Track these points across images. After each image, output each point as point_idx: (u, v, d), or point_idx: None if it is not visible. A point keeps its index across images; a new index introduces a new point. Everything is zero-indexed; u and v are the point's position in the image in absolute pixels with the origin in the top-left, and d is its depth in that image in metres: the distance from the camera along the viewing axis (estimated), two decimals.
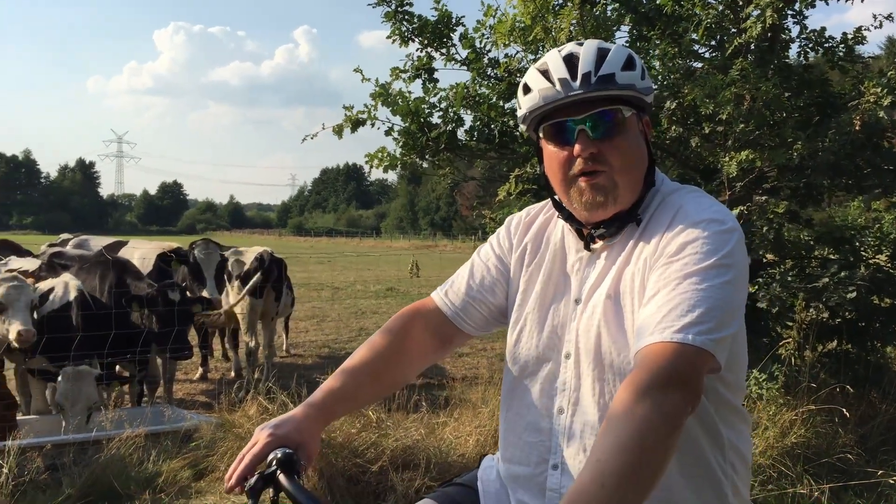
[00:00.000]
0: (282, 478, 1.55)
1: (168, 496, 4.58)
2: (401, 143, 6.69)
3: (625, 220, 1.68)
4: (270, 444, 1.62)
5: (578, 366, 1.67)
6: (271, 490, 1.58)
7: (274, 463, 1.58)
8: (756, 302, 5.15)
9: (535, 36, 5.30)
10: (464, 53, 6.73)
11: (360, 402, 1.91)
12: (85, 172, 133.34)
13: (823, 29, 6.20)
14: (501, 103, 6.64)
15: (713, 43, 5.79)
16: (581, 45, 1.68)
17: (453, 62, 6.83)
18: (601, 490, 1.25)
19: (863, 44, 6.25)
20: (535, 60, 6.35)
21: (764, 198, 5.21)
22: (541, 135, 1.73)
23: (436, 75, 6.72)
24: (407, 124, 6.62)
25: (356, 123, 6.71)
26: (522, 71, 6.44)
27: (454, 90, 6.51)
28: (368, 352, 1.84)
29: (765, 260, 5.66)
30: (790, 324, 5.17)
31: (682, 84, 5.12)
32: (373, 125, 6.71)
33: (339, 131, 6.80)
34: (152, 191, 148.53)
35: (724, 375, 1.59)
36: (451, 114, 6.52)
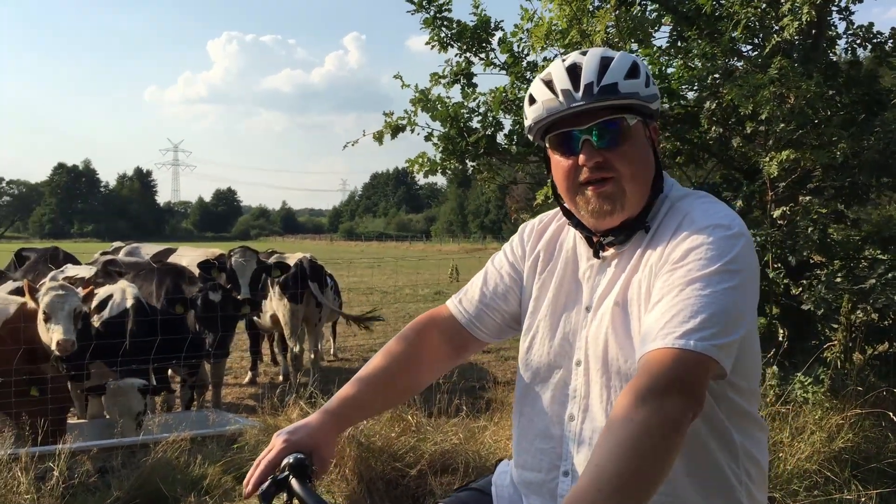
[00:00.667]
0: (294, 483, 1.59)
1: (213, 499, 4.67)
2: (440, 149, 6.73)
3: (633, 228, 1.68)
4: (285, 450, 1.66)
5: (588, 373, 1.68)
6: (285, 495, 1.61)
7: (287, 468, 1.62)
8: (801, 304, 5.06)
9: (572, 39, 5.28)
10: (502, 58, 6.74)
11: (374, 409, 1.95)
12: (142, 181, 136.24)
13: (871, 24, 6.06)
14: None
15: (754, 41, 5.71)
16: (585, 54, 1.69)
17: (492, 67, 6.85)
18: (598, 494, 1.26)
19: None
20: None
21: (808, 198, 5.11)
22: (547, 144, 1.74)
23: (474, 80, 6.75)
24: (446, 129, 6.65)
25: (396, 129, 6.76)
26: None
27: (493, 94, 6.53)
28: (383, 360, 1.87)
29: (812, 261, 5.55)
30: (836, 326, 5.06)
31: (721, 84, 5.05)
32: (412, 131, 6.76)
33: (379, 137, 6.87)
34: (207, 198, 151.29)
35: (735, 381, 1.58)
36: (490, 118, 6.53)
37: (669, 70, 6.25)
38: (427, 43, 6.88)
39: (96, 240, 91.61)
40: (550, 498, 1.72)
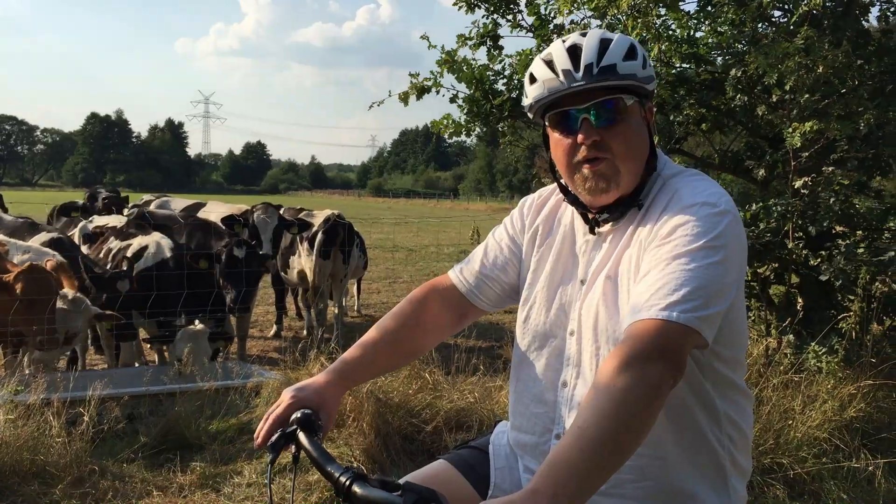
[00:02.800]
0: (301, 436, 1.68)
1: (235, 447, 4.84)
2: (465, 111, 6.76)
3: (627, 205, 1.74)
4: (292, 406, 1.75)
5: (581, 342, 1.76)
6: (293, 447, 1.71)
7: (295, 423, 1.71)
8: (820, 274, 5.07)
9: (599, 3, 5.26)
10: (529, 20, 6.72)
11: (378, 371, 2.06)
12: (174, 132, 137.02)
13: None
14: None
15: (784, 6, 5.65)
16: (584, 35, 1.74)
17: (519, 29, 6.84)
18: (580, 454, 1.33)
19: None
20: (601, 27, 6.31)
21: (831, 168, 5.09)
22: (547, 123, 1.79)
23: (500, 42, 6.75)
24: (471, 91, 6.68)
25: (422, 91, 6.80)
26: None
27: (519, 57, 6.52)
28: (388, 324, 1.96)
29: (834, 231, 5.54)
30: (852, 297, 5.08)
31: (747, 52, 5.03)
32: (438, 92, 6.79)
33: (405, 98, 6.91)
34: (237, 151, 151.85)
35: (720, 351, 1.66)
36: (515, 81, 6.54)
37: (698, 35, 6.21)
38: (455, 4, 6.88)
39: (129, 190, 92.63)
40: (543, 459, 1.80)
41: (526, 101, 1.81)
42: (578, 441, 1.35)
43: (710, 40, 5.86)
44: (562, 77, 1.70)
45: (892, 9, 6.13)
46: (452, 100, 6.76)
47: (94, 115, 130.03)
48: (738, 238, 1.63)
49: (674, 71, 5.39)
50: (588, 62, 1.68)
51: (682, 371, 1.49)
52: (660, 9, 5.30)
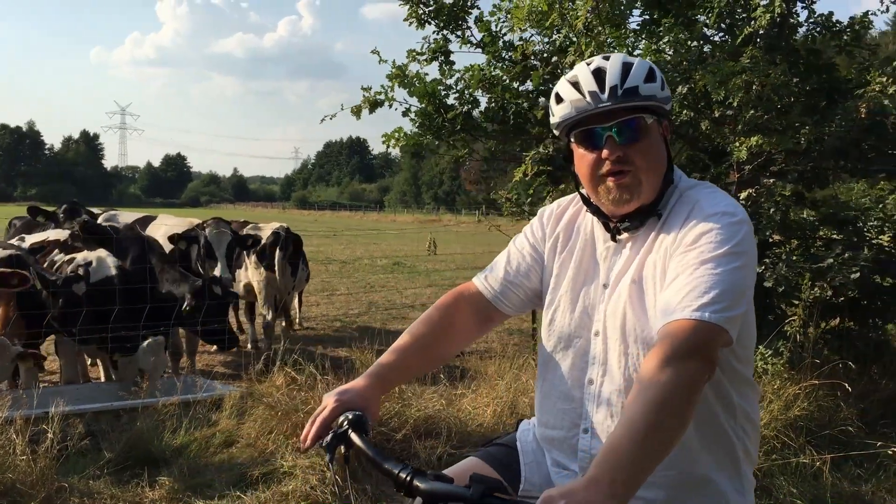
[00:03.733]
0: (354, 436, 1.77)
1: (203, 460, 4.83)
2: (417, 124, 6.88)
3: (647, 215, 1.89)
4: (338, 408, 1.84)
5: (606, 342, 1.89)
6: (342, 447, 1.80)
7: (346, 423, 1.80)
8: (763, 281, 5.36)
9: (552, 21, 5.46)
10: (479, 36, 6.90)
11: (412, 374, 2.17)
12: (89, 144, 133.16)
13: (831, 13, 6.33)
14: (516, 86, 6.82)
15: (724, 28, 5.95)
16: (607, 59, 1.89)
17: (468, 45, 7.01)
18: (631, 443, 1.47)
19: (869, 29, 6.40)
20: (549, 44, 6.53)
21: (772, 180, 5.40)
22: (572, 139, 1.93)
23: (451, 57, 6.91)
24: (423, 105, 6.80)
25: (374, 104, 6.89)
26: (537, 54, 6.61)
27: (470, 72, 6.69)
28: (419, 330, 2.06)
29: (771, 240, 5.85)
30: (796, 302, 5.38)
31: (694, 69, 5.30)
32: (390, 106, 6.89)
33: (357, 112, 6.99)
34: (156, 163, 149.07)
35: (735, 349, 1.81)
36: (467, 95, 6.70)
37: (636, 53, 6.48)
38: (405, 20, 7.01)
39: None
40: (571, 452, 1.94)
41: (553, 120, 1.95)
42: (629, 432, 1.49)
43: (650, 58, 6.12)
44: (588, 98, 1.84)
45: (818, 29, 6.49)
46: (405, 113, 6.87)
47: (3, 127, 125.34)
48: (753, 245, 1.80)
49: None
50: (613, 84, 1.83)
51: (715, 367, 1.65)
52: (609, 28, 5.52)
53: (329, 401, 1.87)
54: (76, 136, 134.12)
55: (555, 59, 6.20)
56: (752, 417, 1.93)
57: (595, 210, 1.97)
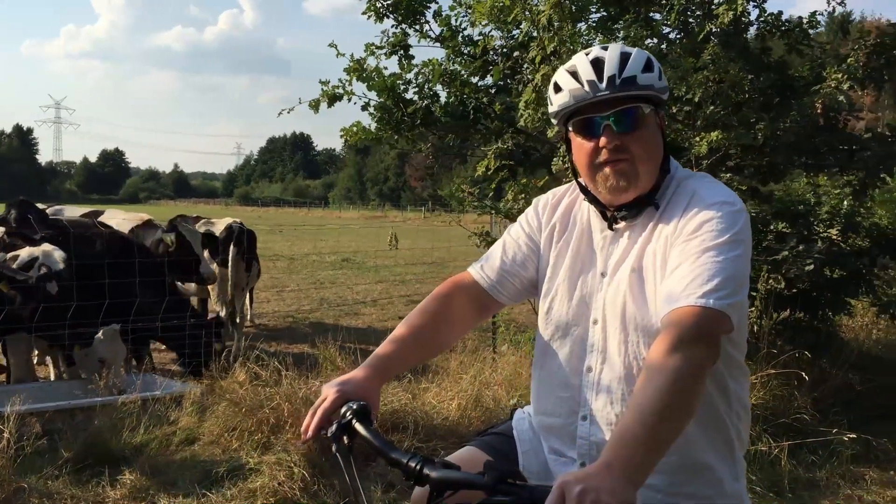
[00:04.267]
0: (358, 426, 1.76)
1: (164, 458, 4.74)
2: (376, 119, 6.84)
3: (644, 204, 1.91)
4: (339, 399, 1.82)
5: (605, 330, 1.91)
6: (345, 437, 1.78)
7: (349, 414, 1.78)
8: None
9: (516, 17, 5.49)
10: (438, 31, 6.90)
11: (409, 364, 2.14)
12: (22, 139, 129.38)
13: (780, 13, 6.48)
14: (476, 80, 6.84)
15: (681, 25, 6.04)
16: (606, 49, 1.90)
17: (427, 39, 7.00)
18: (643, 427, 1.49)
19: (817, 28, 6.56)
20: (510, 40, 6.56)
21: (728, 175, 5.51)
22: (570, 128, 1.95)
23: (411, 52, 6.89)
24: (383, 100, 6.77)
25: (333, 98, 6.83)
26: (497, 50, 6.63)
27: (430, 67, 6.68)
28: (417, 320, 2.04)
29: None
30: (753, 294, 5.50)
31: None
32: (349, 100, 6.85)
33: (315, 106, 6.92)
34: (92, 158, 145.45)
35: (731, 336, 1.85)
36: (427, 90, 6.69)
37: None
38: (364, 13, 6.97)
39: None
40: (570, 439, 1.95)
41: (551, 109, 1.95)
42: (641, 417, 1.51)
43: None
44: (587, 87, 1.85)
45: (768, 28, 6.63)
46: (364, 108, 6.83)
47: None
48: (750, 233, 1.83)
49: None
50: (611, 74, 1.84)
51: (719, 352, 1.68)
52: (571, 25, 5.57)
53: (329, 391, 1.85)
54: (9, 130, 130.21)
55: (516, 54, 6.23)
56: (744, 402, 1.97)
57: (592, 199, 1.98)
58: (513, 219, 5.95)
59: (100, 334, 5.84)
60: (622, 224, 1.94)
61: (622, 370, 1.87)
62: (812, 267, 5.21)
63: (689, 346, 1.61)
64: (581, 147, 1.92)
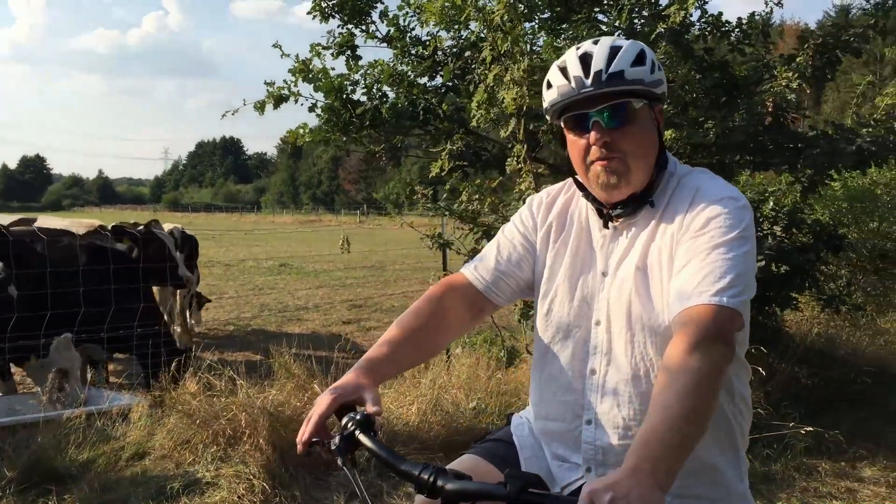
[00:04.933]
0: (362, 437, 1.66)
1: (114, 474, 4.55)
2: (324, 120, 6.73)
3: (639, 201, 1.87)
4: (333, 405, 1.72)
5: (610, 331, 1.86)
6: (350, 449, 1.68)
7: (350, 424, 1.69)
8: None
9: (467, 16, 5.44)
10: (384, 31, 6.82)
11: (402, 367, 2.03)
12: None
13: (720, 14, 6.58)
14: (423, 81, 6.78)
15: (629, 26, 6.08)
16: (597, 43, 1.86)
17: (375, 39, 6.92)
18: (669, 431, 1.45)
19: (756, 29, 6.69)
20: (462, 40, 6.51)
21: None
22: (563, 125, 1.90)
23: (359, 52, 6.80)
24: (330, 101, 6.66)
25: (279, 100, 6.70)
26: (446, 50, 6.58)
27: (378, 67, 6.59)
28: (410, 322, 1.95)
29: None
30: None
31: None
32: (296, 101, 6.72)
33: (261, 107, 6.79)
34: (12, 165, 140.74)
35: (737, 333, 1.82)
36: (376, 91, 6.60)
37: (537, 49, 6.54)
38: (309, 13, 6.86)
39: None
40: (574, 444, 1.90)
41: (544, 105, 1.91)
42: (666, 419, 1.46)
43: (550, 54, 6.20)
44: (573, 83, 1.81)
45: (708, 28, 6.73)
46: (311, 109, 6.71)
47: None
48: (754, 229, 1.81)
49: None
50: (597, 69, 1.80)
51: (734, 350, 1.65)
52: (524, 24, 5.55)
53: (324, 400, 1.75)
54: None
55: (467, 54, 6.18)
56: (746, 399, 1.94)
57: (588, 195, 1.94)
58: (467, 220, 5.92)
59: (55, 343, 5.61)
60: (620, 223, 1.90)
61: (629, 371, 1.82)
62: (763, 262, 5.27)
63: (707, 345, 1.57)
64: (574, 143, 1.88)
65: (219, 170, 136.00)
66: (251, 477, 4.28)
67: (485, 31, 5.64)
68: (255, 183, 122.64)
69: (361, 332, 10.92)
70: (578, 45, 1.89)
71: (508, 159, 5.66)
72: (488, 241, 6.07)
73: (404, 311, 2.02)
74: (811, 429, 5.16)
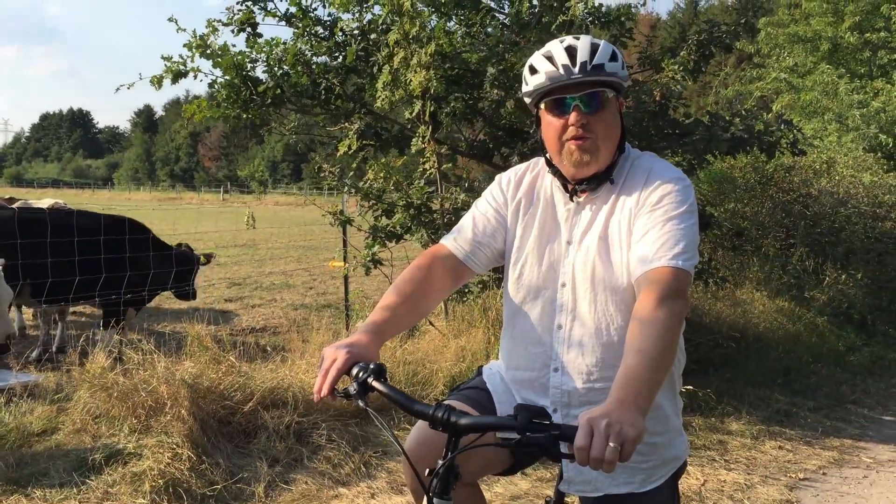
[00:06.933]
0: (376, 384, 1.89)
1: (29, 450, 4.52)
2: (223, 97, 6.74)
3: (602, 179, 2.18)
4: (350, 360, 1.94)
5: (575, 291, 2.16)
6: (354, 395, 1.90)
7: (363, 373, 1.90)
8: None
9: (376, 0, 5.63)
10: (283, 9, 6.88)
11: (400, 328, 2.27)
12: None
13: (601, 5, 7.02)
14: (324, 61, 6.89)
15: (532, 17, 6.43)
16: (578, 38, 2.15)
17: (273, 17, 6.96)
18: (646, 369, 1.77)
19: (633, 20, 7.19)
20: (368, 23, 6.65)
21: None
22: (542, 107, 2.18)
23: (259, 30, 6.82)
24: (230, 78, 6.68)
25: (178, 75, 6.65)
26: (348, 31, 6.71)
27: (280, 47, 6.66)
28: (404, 287, 2.18)
29: None
30: None
31: (508, 52, 5.72)
32: (195, 77, 6.70)
33: (158, 82, 6.73)
34: None
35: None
36: (278, 70, 6.67)
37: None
38: None
39: None
40: (542, 389, 2.20)
41: (526, 88, 2.18)
42: (643, 360, 1.78)
43: (462, 42, 6.48)
44: (561, 70, 2.09)
45: (591, 19, 7.17)
46: (212, 85, 6.71)
47: None
48: (696, 205, 2.15)
49: (451, 68, 5.91)
50: (583, 60, 2.09)
51: (689, 302, 1.98)
52: (430, 10, 5.79)
53: (339, 354, 1.94)
54: None
55: (373, 36, 6.35)
56: (682, 347, 2.29)
57: (556, 172, 2.23)
58: (371, 198, 6.13)
59: None
60: (583, 197, 2.20)
61: (592, 325, 2.13)
62: None
63: (670, 300, 1.90)
64: (550, 124, 2.16)
65: (66, 143, 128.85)
66: (175, 446, 4.36)
67: (392, 16, 5.85)
68: (108, 158, 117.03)
69: (246, 309, 10.91)
70: (562, 39, 2.17)
71: (413, 139, 5.90)
72: (388, 218, 6.33)
73: (397, 279, 2.26)
74: (684, 389, 5.71)
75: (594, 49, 2.11)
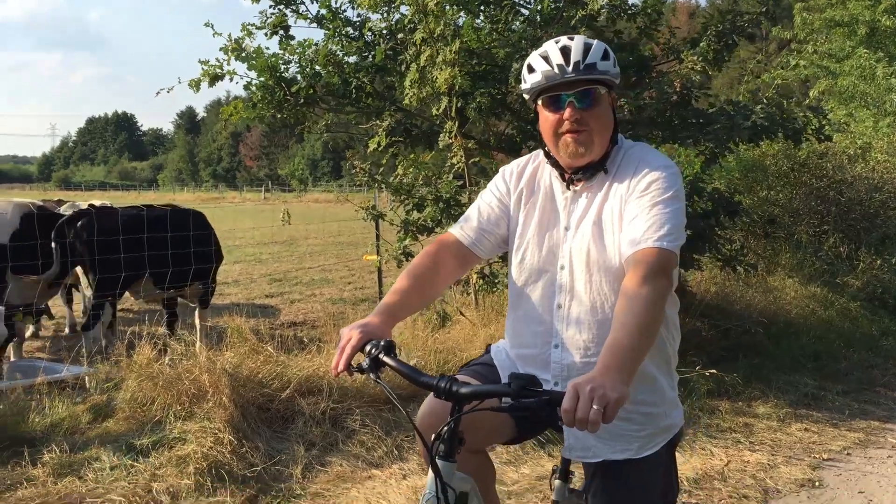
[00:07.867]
0: (388, 359, 2.08)
1: (82, 437, 4.80)
2: (258, 98, 6.99)
3: (596, 168, 2.35)
4: (364, 338, 2.14)
5: (572, 273, 2.34)
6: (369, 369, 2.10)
7: (374, 350, 2.10)
8: None
9: (401, 1, 5.81)
10: (314, 11, 7.12)
11: (411, 310, 2.50)
12: None
13: None
14: (355, 60, 7.11)
15: (553, 13, 6.57)
16: (572, 39, 2.32)
17: (306, 20, 7.19)
18: (629, 340, 1.93)
19: (662, 13, 7.28)
20: (396, 23, 6.85)
21: None
22: (540, 103, 2.35)
23: (292, 32, 7.07)
24: (264, 79, 6.93)
25: (214, 78, 6.92)
26: (377, 31, 6.92)
27: (311, 48, 6.89)
28: (416, 271, 2.40)
29: None
30: None
31: (530, 47, 5.88)
32: (231, 79, 6.96)
33: (196, 85, 7.00)
34: None
35: (672, 270, 2.32)
36: (309, 70, 6.90)
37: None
38: None
39: None
40: (544, 364, 2.37)
41: (525, 86, 2.35)
42: (627, 332, 1.95)
43: (483, 37, 6.65)
44: (556, 69, 2.26)
45: (616, 13, 7.29)
46: (247, 87, 6.96)
47: None
48: (683, 190, 2.31)
49: (479, 64, 6.09)
50: (577, 59, 2.26)
51: (672, 281, 2.14)
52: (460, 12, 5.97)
53: (354, 333, 2.15)
54: None
55: (400, 35, 6.54)
56: (676, 324, 2.45)
57: (554, 162, 2.40)
58: (402, 193, 6.33)
59: None
60: (580, 186, 2.37)
61: (588, 304, 2.30)
62: None
63: (654, 278, 2.07)
64: (547, 119, 2.33)
65: (112, 146, 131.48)
66: (217, 431, 4.62)
67: (418, 15, 6.03)
68: (152, 160, 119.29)
69: (286, 304, 11.20)
70: (557, 39, 2.34)
71: (441, 135, 6.08)
72: (419, 212, 6.52)
73: (409, 265, 2.46)
74: (714, 371, 5.83)
75: (587, 49, 2.28)
